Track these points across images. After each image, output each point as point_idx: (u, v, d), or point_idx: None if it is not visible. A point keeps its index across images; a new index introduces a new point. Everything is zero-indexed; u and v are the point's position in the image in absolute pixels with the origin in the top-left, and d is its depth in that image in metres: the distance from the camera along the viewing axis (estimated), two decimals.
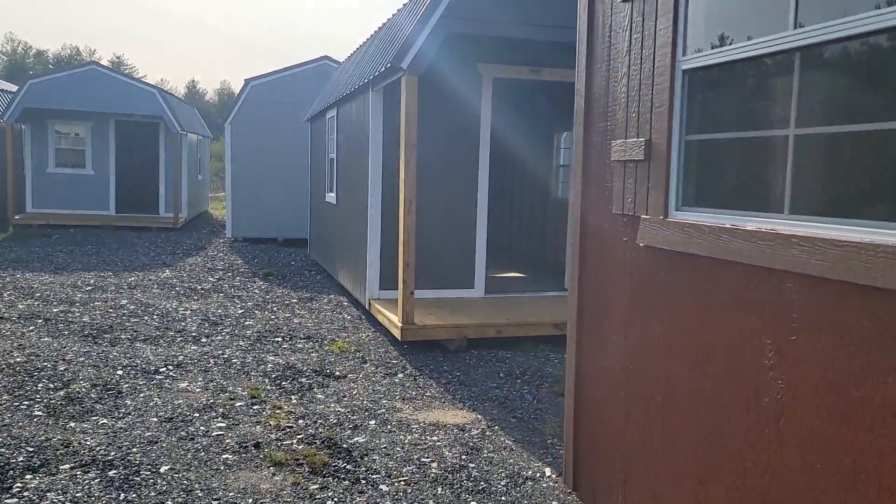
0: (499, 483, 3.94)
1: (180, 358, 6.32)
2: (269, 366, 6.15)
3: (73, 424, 4.65)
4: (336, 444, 4.44)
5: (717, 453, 2.43)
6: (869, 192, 2.04)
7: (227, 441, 4.45)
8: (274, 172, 16.03)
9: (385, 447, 4.42)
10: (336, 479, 3.95)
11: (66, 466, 4.03)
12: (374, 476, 4.01)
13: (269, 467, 4.10)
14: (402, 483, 3.92)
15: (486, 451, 4.37)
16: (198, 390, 5.44)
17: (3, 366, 5.80)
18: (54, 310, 8.05)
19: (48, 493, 3.69)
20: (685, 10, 2.62)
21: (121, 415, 4.87)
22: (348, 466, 4.12)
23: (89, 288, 9.60)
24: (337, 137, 10.13)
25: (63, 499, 3.65)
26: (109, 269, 11.44)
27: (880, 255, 1.78)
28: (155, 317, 8.02)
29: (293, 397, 5.35)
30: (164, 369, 5.95)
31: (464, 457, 4.28)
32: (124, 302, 8.76)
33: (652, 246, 2.78)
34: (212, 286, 10.28)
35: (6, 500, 3.64)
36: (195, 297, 9.37)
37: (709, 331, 2.48)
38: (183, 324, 7.72)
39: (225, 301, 9.16)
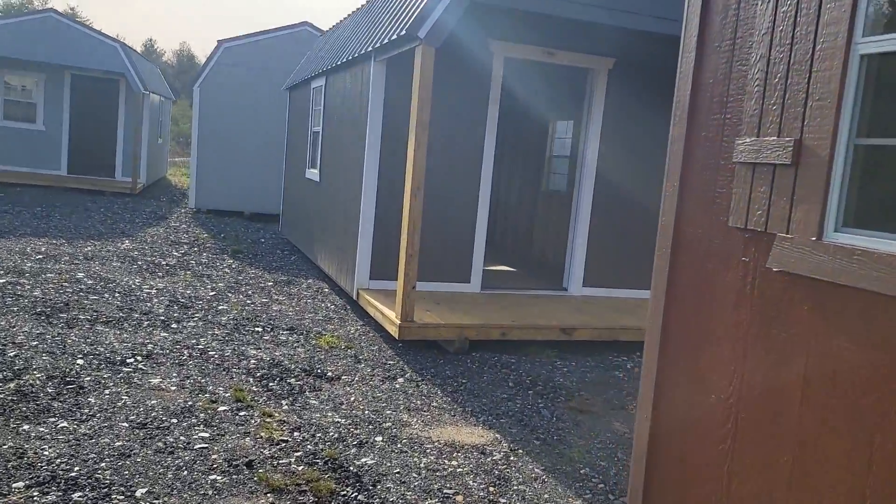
0: None
1: (149, 346, 5.60)
2: (252, 361, 5.49)
3: (26, 427, 3.94)
4: (342, 467, 3.84)
5: None
6: None
7: (214, 457, 3.81)
8: (244, 142, 15.14)
9: (398, 472, 3.84)
10: None
11: (21, 485, 3.35)
12: None
13: (265, 494, 3.48)
14: None
15: (515, 483, 3.83)
16: (173, 388, 4.76)
17: None
18: None
19: None
20: None
21: (84, 416, 4.17)
22: (360, 497, 3.53)
23: (40, 257, 8.70)
24: (324, 110, 9.40)
25: None
26: (62, 236, 10.50)
27: None
28: (117, 295, 7.23)
29: (284, 402, 4.72)
30: (132, 360, 5.24)
31: (491, 489, 3.73)
32: (81, 275, 7.92)
33: (792, 272, 2.25)
34: (177, 262, 9.48)
35: None
36: (160, 274, 8.57)
37: (880, 392, 1.96)
38: (149, 304, 6.97)
39: (193, 280, 8.40)
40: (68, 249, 9.47)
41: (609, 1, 6.28)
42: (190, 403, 4.50)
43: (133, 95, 17.41)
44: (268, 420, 4.36)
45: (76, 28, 16.90)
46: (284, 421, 4.38)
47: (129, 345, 5.58)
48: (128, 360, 5.22)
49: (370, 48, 6.88)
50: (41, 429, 3.94)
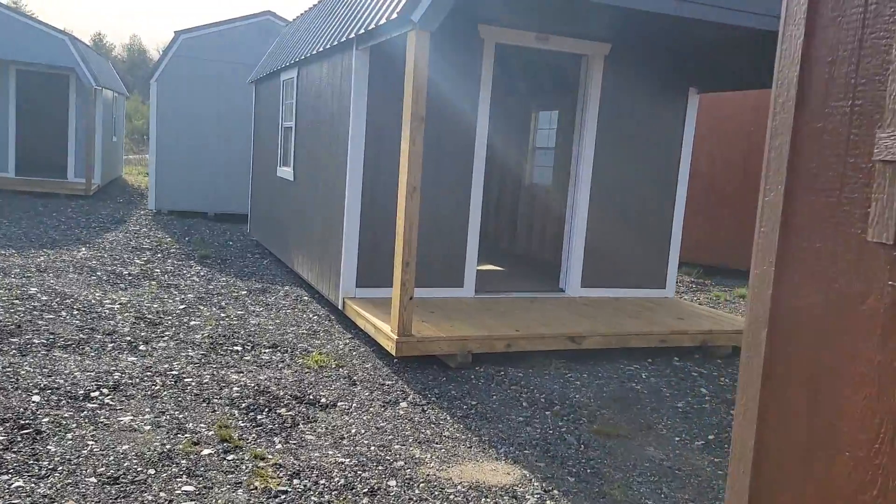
0: None
1: (116, 375, 4.94)
2: (235, 389, 4.87)
3: None
4: None
5: None
6: None
7: None
8: (206, 138, 14.32)
9: None
10: None
11: None
12: None
13: None
14: None
15: None
16: (147, 428, 4.13)
17: None
18: None
19: None
20: None
21: (43, 471, 3.52)
22: None
23: None
24: (297, 104, 8.73)
25: None
26: (11, 246, 9.65)
27: None
28: (75, 312, 6.51)
29: (276, 440, 4.13)
30: (97, 394, 4.58)
31: None
32: (34, 290, 7.17)
33: None
34: (140, 271, 8.74)
35: None
36: (122, 286, 7.85)
37: None
38: (112, 323, 6.27)
39: (160, 291, 7.70)
40: (18, 261, 8.65)
41: None
42: (168, 447, 3.88)
43: (84, 91, 16.40)
44: (261, 465, 3.77)
45: (21, 20, 15.79)
46: (280, 465, 3.80)
47: (93, 374, 4.91)
48: (92, 394, 4.56)
49: (352, 35, 6.27)
50: None
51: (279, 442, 4.10)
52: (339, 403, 4.76)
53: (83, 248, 9.92)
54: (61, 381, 4.71)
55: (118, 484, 3.45)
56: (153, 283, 8.15)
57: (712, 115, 11.15)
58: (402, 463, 3.93)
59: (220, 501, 3.37)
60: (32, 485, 3.39)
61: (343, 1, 7.73)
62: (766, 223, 2.38)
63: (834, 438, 2.13)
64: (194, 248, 10.75)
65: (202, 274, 8.88)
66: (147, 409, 4.40)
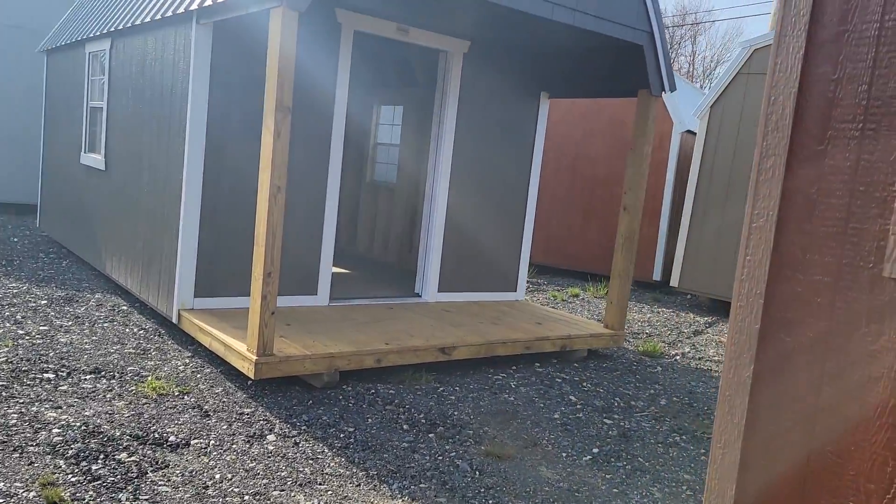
0: None
1: None
2: (56, 430, 3.93)
3: None
4: None
5: None
6: None
7: None
8: None
9: None
10: None
11: None
12: None
13: None
14: None
15: None
16: None
17: None
18: None
19: None
20: None
21: None
22: None
23: None
24: (109, 81, 7.51)
25: None
26: None
27: None
28: None
29: (122, 496, 3.34)
30: None
31: None
32: None
33: None
34: None
35: None
36: None
37: None
38: None
39: None
40: None
41: None
42: None
43: None
44: None
45: None
46: None
47: None
48: None
49: (193, 6, 5.41)
50: None
51: (126, 499, 3.32)
52: (192, 441, 4.02)
53: None
54: None
55: None
56: None
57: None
58: None
59: None
60: None
61: None
62: (754, 252, 2.19)
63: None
64: None
65: None
66: None
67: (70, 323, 6.09)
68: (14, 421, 4.01)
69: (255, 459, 3.88)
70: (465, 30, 6.92)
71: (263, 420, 4.42)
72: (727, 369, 2.26)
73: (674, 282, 10.05)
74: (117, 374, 4.93)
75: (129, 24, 6.74)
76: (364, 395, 5.04)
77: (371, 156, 10.35)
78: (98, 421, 4.12)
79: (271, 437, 4.19)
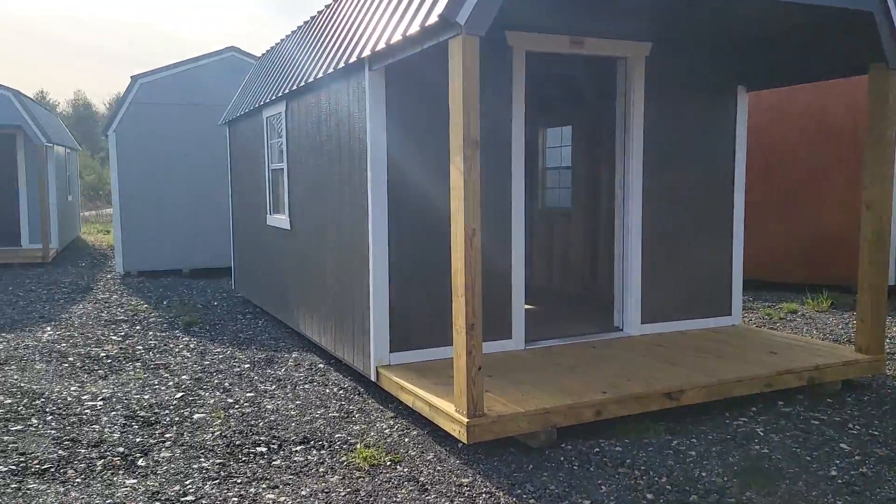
0: None
1: None
2: None
3: None
4: None
5: None
6: None
7: None
8: (175, 188, 13.12)
9: None
10: None
11: None
12: None
13: None
14: None
15: None
16: None
17: None
18: None
19: None
20: None
21: None
22: None
23: None
24: (288, 141, 7.64)
25: None
26: None
27: None
28: (49, 417, 5.27)
29: None
30: None
31: None
32: None
33: None
34: (119, 350, 7.48)
35: None
36: (101, 372, 6.60)
37: None
38: (97, 428, 5.05)
39: (148, 376, 6.47)
40: None
41: None
42: None
43: (34, 149, 15.06)
44: None
45: None
46: None
47: None
48: None
49: (364, 53, 5.23)
50: None
51: None
52: None
53: (48, 328, 8.61)
54: None
55: None
56: (137, 364, 6.90)
57: None
58: None
59: None
60: None
61: (337, 21, 6.70)
62: None
63: None
64: (176, 313, 9.49)
65: (192, 346, 7.65)
66: None
67: (273, 387, 6.06)
68: None
69: None
70: (646, 31, 6.25)
71: (486, 493, 3.94)
72: None
73: None
74: (326, 444, 4.71)
75: (301, 84, 6.77)
76: (588, 454, 4.44)
77: (541, 181, 9.85)
78: (316, 502, 3.86)
79: None
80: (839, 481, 4.01)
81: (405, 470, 4.27)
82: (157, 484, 4.12)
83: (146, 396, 5.82)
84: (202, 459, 4.47)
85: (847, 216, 9.75)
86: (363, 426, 5.05)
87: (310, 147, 6.94)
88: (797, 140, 10.33)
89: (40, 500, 3.91)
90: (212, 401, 5.69)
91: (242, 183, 9.96)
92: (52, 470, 4.31)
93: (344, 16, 6.50)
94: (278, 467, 4.35)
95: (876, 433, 4.72)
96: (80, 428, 5.06)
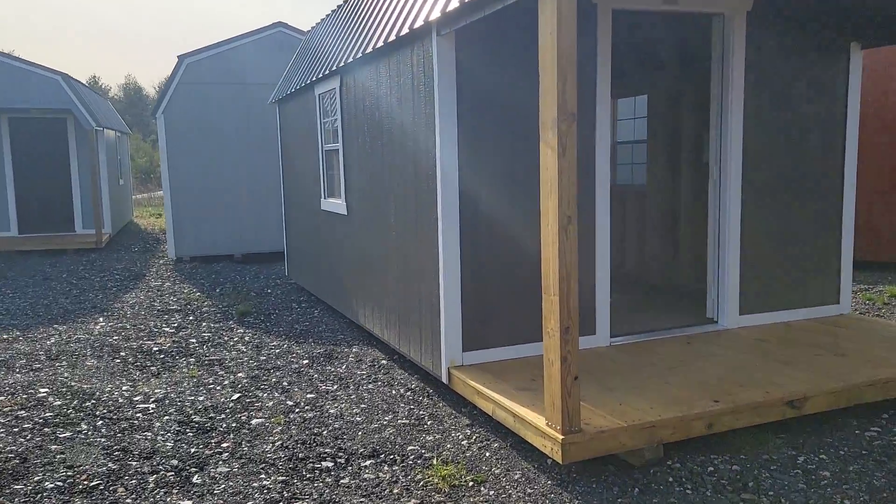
0: None
1: None
2: None
3: None
4: None
5: None
6: None
7: None
8: (225, 171, 12.79)
9: None
10: None
11: None
12: None
13: None
14: None
15: None
16: None
17: None
18: None
19: None
20: None
21: None
22: None
23: None
24: (343, 121, 7.10)
25: None
26: (16, 323, 8.09)
27: None
28: (99, 423, 4.90)
29: None
30: None
31: None
32: (44, 392, 5.58)
33: None
34: (173, 344, 7.13)
35: None
36: (154, 369, 6.23)
37: None
38: (149, 436, 4.65)
39: (202, 373, 6.08)
40: (25, 346, 7.07)
41: None
42: None
43: (84, 134, 14.93)
44: None
45: (10, 63, 14.33)
46: None
47: None
48: None
49: (434, 15, 4.61)
50: None
51: None
52: None
53: (101, 318, 8.34)
54: None
55: None
56: (191, 360, 6.53)
57: None
58: None
59: None
60: None
61: None
62: None
63: None
64: (229, 302, 9.14)
65: (247, 339, 7.26)
66: None
67: (335, 387, 5.59)
68: None
69: None
70: None
71: None
72: None
73: None
74: (398, 458, 4.20)
75: (358, 55, 6.21)
76: (701, 475, 3.82)
77: (611, 157, 9.12)
78: None
79: None
80: None
81: (491, 492, 3.74)
82: None
83: (201, 398, 5.42)
84: (263, 476, 4.01)
85: None
86: (437, 436, 4.53)
87: (367, 126, 6.39)
88: None
89: None
90: (270, 403, 5.25)
91: (294, 165, 9.50)
92: (101, 487, 3.91)
93: None
94: (347, 487, 3.86)
95: None
96: (132, 435, 4.66)
